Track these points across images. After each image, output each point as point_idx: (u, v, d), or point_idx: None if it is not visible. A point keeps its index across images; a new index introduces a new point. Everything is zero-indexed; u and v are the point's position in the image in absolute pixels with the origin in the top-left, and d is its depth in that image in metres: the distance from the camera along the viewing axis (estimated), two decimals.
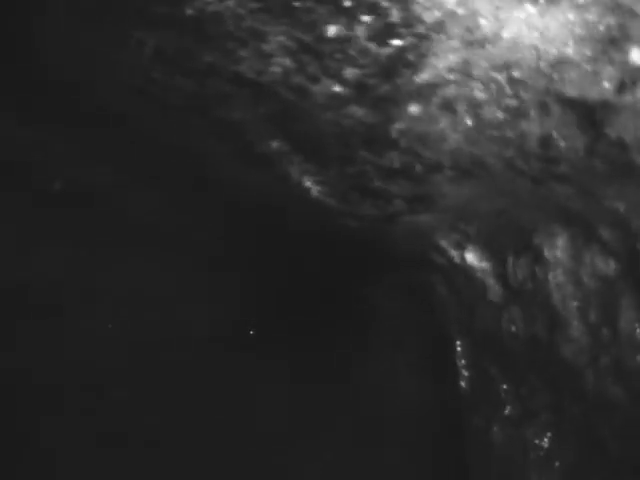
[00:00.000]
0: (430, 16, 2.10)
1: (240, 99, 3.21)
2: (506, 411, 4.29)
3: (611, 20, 1.76)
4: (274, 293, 10.74)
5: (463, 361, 5.14)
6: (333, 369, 10.46)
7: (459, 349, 5.25)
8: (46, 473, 8.93)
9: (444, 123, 2.78)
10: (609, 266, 3.08)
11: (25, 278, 8.63)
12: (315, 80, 2.77)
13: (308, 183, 4.33)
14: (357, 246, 6.28)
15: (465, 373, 5.17)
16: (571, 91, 2.16)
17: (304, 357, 10.35)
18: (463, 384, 5.20)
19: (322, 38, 2.40)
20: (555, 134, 2.44)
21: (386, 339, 10.40)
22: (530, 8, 1.95)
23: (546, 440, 3.83)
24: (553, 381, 3.66)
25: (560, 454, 3.66)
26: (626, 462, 3.45)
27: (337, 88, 2.80)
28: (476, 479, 5.49)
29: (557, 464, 3.70)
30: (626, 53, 1.88)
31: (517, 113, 2.45)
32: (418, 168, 3.42)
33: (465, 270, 4.49)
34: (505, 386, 4.36)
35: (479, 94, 2.44)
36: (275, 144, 3.79)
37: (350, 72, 2.62)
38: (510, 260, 4.02)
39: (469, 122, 2.69)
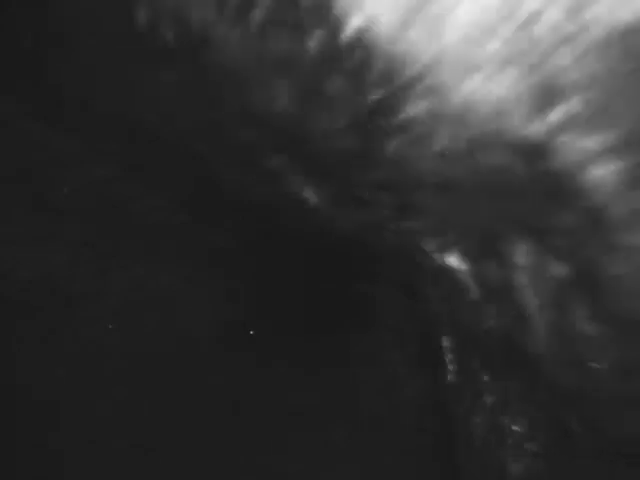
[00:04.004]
0: (408, 71, 2.77)
1: (249, 125, 3.87)
2: (486, 400, 4.91)
3: (537, 80, 2.41)
4: (274, 293, 10.98)
5: (450, 356, 5.77)
6: (333, 369, 10.68)
7: (445, 344, 5.88)
8: (47, 470, 9.30)
9: (420, 149, 3.45)
10: (562, 269, 3.73)
11: (27, 278, 9.06)
12: (317, 119, 3.45)
13: (307, 194, 4.99)
14: (350, 248, 6.87)
15: (450, 367, 5.79)
16: (514, 133, 2.80)
17: (303, 357, 10.61)
18: (449, 378, 5.82)
19: (321, 91, 3.03)
20: (506, 163, 3.09)
21: (386, 339, 10.65)
22: (481, 76, 2.61)
23: (519, 427, 4.45)
24: (522, 372, 4.29)
25: (532, 439, 4.28)
26: (592, 446, 4.06)
27: (334, 124, 3.45)
28: (465, 474, 6.03)
29: (530, 449, 4.32)
30: (554, 105, 2.52)
31: (474, 147, 3.10)
32: (403, 183, 4.09)
33: (448, 272, 5.13)
34: (485, 378, 5.00)
35: (444, 131, 3.09)
36: (280, 161, 4.44)
37: (344, 113, 3.30)
38: (483, 263, 4.66)
39: (440, 150, 3.35)
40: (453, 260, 4.80)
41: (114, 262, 9.89)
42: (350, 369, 10.71)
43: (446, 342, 5.76)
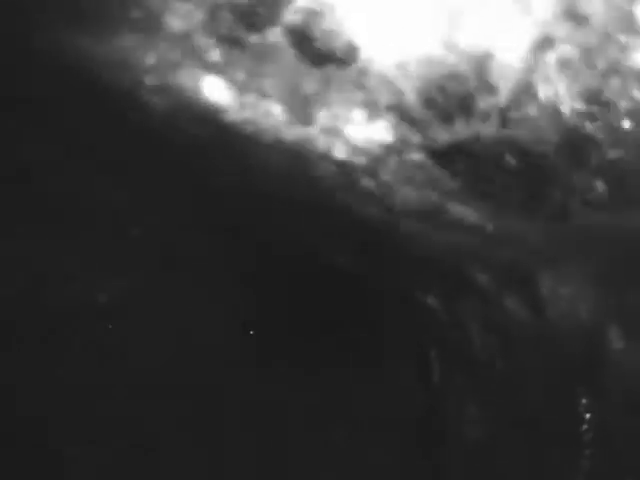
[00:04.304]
0: None
1: None
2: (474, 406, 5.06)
3: None
4: (274, 292, 11.02)
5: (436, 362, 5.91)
6: (333, 369, 10.73)
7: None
8: (47, 470, 9.43)
9: None
10: None
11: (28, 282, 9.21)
12: None
13: None
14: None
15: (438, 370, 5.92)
16: None
17: (303, 358, 10.65)
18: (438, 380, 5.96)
19: None
20: None
21: (387, 339, 10.69)
22: None
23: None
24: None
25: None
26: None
27: None
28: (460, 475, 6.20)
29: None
30: None
31: None
32: None
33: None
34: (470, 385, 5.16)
35: None
36: None
37: None
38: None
39: None
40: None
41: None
42: (350, 369, 10.72)
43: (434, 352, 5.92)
